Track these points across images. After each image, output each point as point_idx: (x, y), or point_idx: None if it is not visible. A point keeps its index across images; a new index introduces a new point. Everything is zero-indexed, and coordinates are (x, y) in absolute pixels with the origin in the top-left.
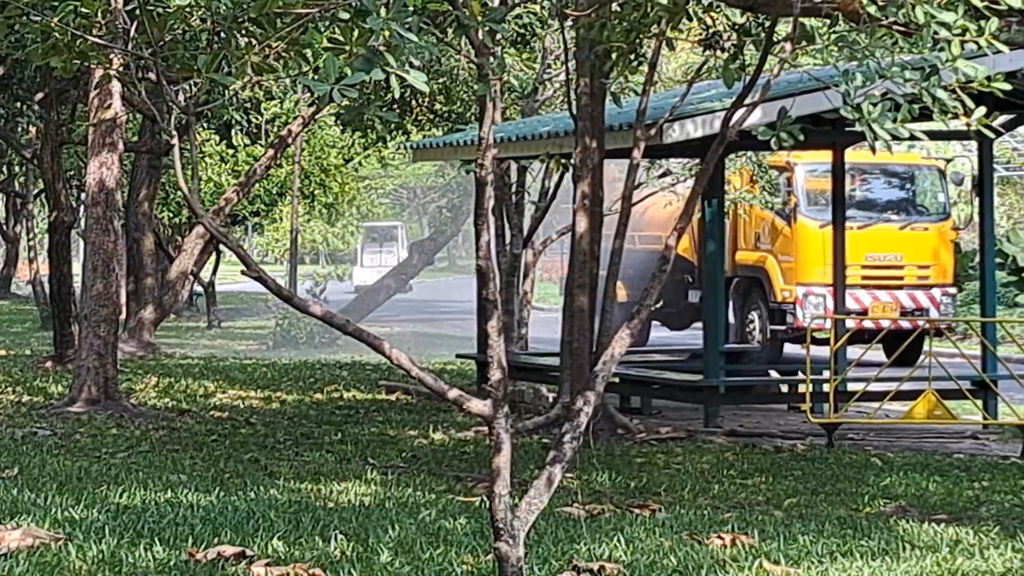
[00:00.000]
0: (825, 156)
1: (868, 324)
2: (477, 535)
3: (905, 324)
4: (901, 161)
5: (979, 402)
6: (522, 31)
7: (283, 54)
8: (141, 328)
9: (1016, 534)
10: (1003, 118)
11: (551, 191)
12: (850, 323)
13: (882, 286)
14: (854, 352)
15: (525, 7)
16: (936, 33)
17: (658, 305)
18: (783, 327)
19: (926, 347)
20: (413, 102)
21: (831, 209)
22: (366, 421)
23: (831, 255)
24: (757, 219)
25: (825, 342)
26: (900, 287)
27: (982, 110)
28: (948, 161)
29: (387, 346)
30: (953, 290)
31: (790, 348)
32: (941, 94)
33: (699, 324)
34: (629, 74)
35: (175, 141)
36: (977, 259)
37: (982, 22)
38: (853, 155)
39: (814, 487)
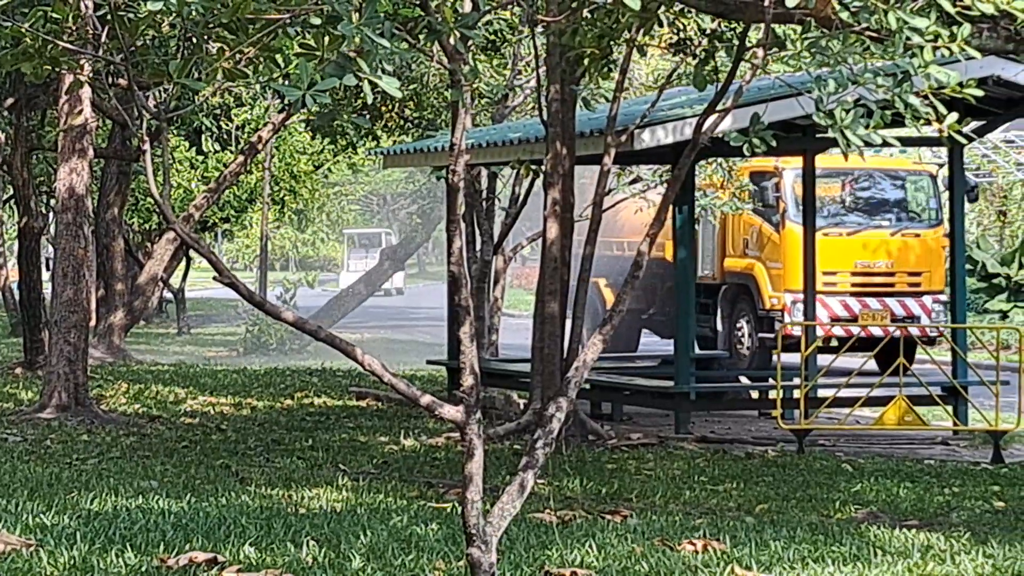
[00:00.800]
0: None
1: (856, 331)
2: (449, 541)
3: (893, 331)
4: (892, 166)
5: (949, 408)
6: (492, 37)
7: (254, 60)
8: (111, 334)
9: (987, 539)
10: (974, 124)
11: (521, 197)
12: (840, 331)
13: (872, 293)
14: (842, 361)
15: (495, 13)
16: (908, 39)
17: (649, 312)
18: (772, 335)
19: (919, 355)
20: (383, 108)
21: (804, 214)
22: (337, 427)
23: (820, 261)
24: (745, 225)
25: (816, 351)
26: (891, 294)
27: (954, 116)
28: (940, 166)
29: (359, 352)
30: (945, 297)
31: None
32: (913, 100)
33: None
34: (600, 80)
35: (146, 146)
36: (947, 265)
37: (954, 28)
38: (843, 160)
39: (785, 493)
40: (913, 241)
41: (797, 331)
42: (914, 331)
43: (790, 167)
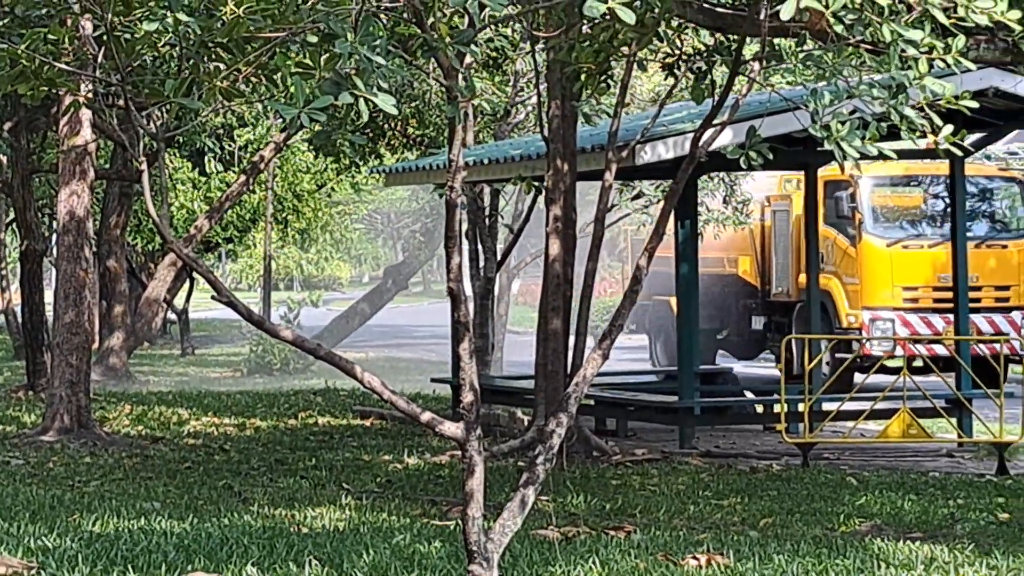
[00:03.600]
0: (892, 168)
1: (941, 351)
2: (452, 559)
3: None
4: (976, 173)
5: (954, 420)
6: (494, 54)
7: (252, 79)
8: (114, 356)
9: (991, 551)
10: (974, 137)
11: (524, 214)
12: (922, 349)
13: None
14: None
15: (496, 30)
16: (903, 51)
17: (724, 333)
18: (850, 355)
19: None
20: (386, 126)
21: (807, 224)
22: (340, 446)
23: (900, 276)
24: (820, 238)
25: (895, 371)
26: (977, 310)
27: (949, 128)
28: None
29: (359, 370)
30: None
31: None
32: (909, 112)
33: (767, 354)
34: (599, 96)
35: (144, 167)
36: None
37: (949, 40)
38: (925, 167)
39: (789, 507)
40: (1000, 253)
41: (877, 351)
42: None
43: (867, 175)
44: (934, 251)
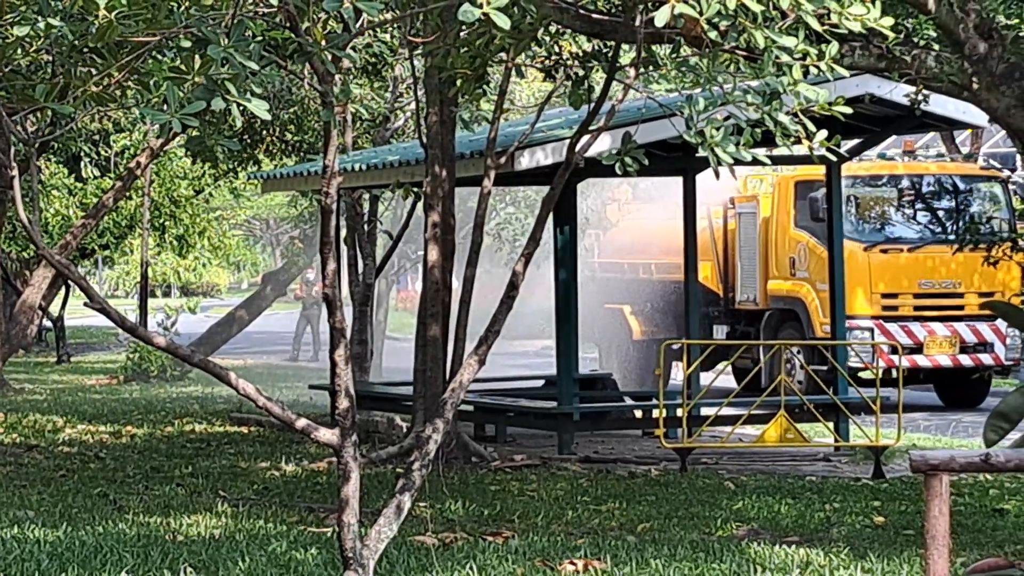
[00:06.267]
0: (870, 167)
1: (924, 362)
2: (328, 565)
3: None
4: (958, 172)
5: (831, 424)
6: (373, 60)
7: (124, 83)
8: None
9: (866, 554)
10: (852, 142)
11: (404, 220)
12: (904, 361)
13: (938, 317)
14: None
15: (375, 36)
16: (778, 58)
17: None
18: (824, 367)
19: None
20: (264, 132)
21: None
22: (217, 454)
23: (878, 282)
24: (791, 242)
25: (872, 383)
26: (959, 318)
27: (823, 133)
28: (1012, 171)
29: (232, 376)
30: None
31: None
32: (783, 118)
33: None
34: (476, 102)
35: (15, 173)
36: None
37: (823, 46)
38: (905, 166)
39: (667, 511)
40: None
41: (855, 362)
42: (987, 359)
43: (844, 175)
44: (915, 255)
